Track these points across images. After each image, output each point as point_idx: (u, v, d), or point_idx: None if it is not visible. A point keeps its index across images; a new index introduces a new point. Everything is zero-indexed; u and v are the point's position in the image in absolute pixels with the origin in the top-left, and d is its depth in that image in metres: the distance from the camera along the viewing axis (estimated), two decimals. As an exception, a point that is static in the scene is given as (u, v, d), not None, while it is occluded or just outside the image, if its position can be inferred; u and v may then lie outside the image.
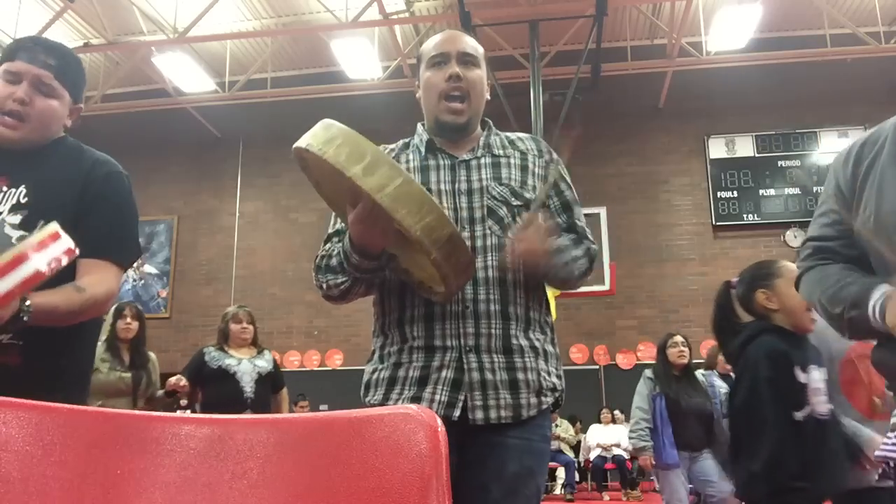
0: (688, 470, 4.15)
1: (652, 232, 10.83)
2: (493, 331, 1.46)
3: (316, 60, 11.43)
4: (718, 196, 10.78)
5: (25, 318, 1.29)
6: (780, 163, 10.74)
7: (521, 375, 1.46)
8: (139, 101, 11.48)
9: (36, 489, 0.83)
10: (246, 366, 4.11)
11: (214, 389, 4.07)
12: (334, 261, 1.48)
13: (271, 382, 4.25)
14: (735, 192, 10.76)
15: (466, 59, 1.59)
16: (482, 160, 1.58)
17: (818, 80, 10.55)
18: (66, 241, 1.27)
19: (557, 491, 9.10)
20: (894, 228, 1.22)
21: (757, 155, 10.82)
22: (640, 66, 10.52)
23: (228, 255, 11.81)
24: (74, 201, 1.49)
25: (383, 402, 1.49)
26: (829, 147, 10.48)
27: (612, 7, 8.93)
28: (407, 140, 1.67)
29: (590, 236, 1.62)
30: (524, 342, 1.49)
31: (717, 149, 10.97)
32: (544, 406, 1.50)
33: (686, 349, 4.43)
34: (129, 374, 3.92)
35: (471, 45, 1.62)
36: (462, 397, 1.42)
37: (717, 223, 10.73)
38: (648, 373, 4.47)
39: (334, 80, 10.96)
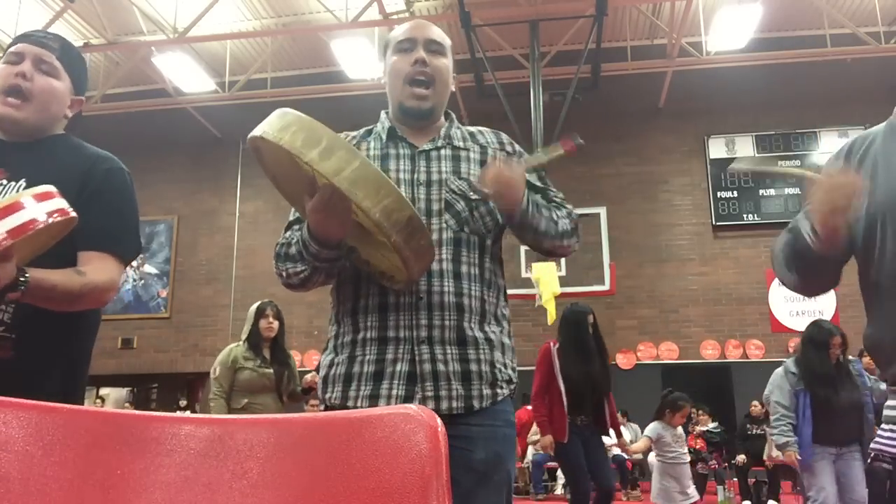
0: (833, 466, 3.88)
1: (652, 232, 10.83)
2: (446, 322, 1.46)
3: (316, 60, 11.43)
4: (718, 196, 10.79)
5: (22, 289, 1.28)
6: (780, 163, 10.74)
7: (474, 367, 1.46)
8: (139, 101, 11.48)
9: (36, 489, 0.83)
10: None
11: None
12: (293, 249, 1.47)
13: None
14: (735, 192, 10.76)
15: (433, 48, 1.60)
16: (442, 151, 1.58)
17: (818, 80, 10.55)
18: (62, 202, 1.27)
19: (558, 491, 9.10)
20: (887, 211, 1.27)
21: (757, 155, 10.82)
22: (640, 66, 10.52)
23: (228, 255, 11.81)
24: (74, 196, 1.49)
25: (342, 401, 1.48)
26: (829, 147, 10.48)
27: (612, 7, 8.93)
28: (370, 127, 1.67)
29: (569, 206, 1.63)
30: (479, 334, 1.49)
31: (717, 149, 10.97)
32: (500, 398, 1.50)
33: (839, 336, 4.05)
34: (270, 370, 4.00)
35: (438, 33, 1.63)
36: (419, 389, 1.43)
37: (717, 223, 10.73)
38: (791, 366, 4.09)
39: (334, 80, 10.95)
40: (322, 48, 10.55)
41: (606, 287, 8.65)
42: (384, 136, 1.61)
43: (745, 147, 10.90)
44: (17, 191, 1.49)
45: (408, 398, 1.42)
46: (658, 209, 10.97)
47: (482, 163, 1.58)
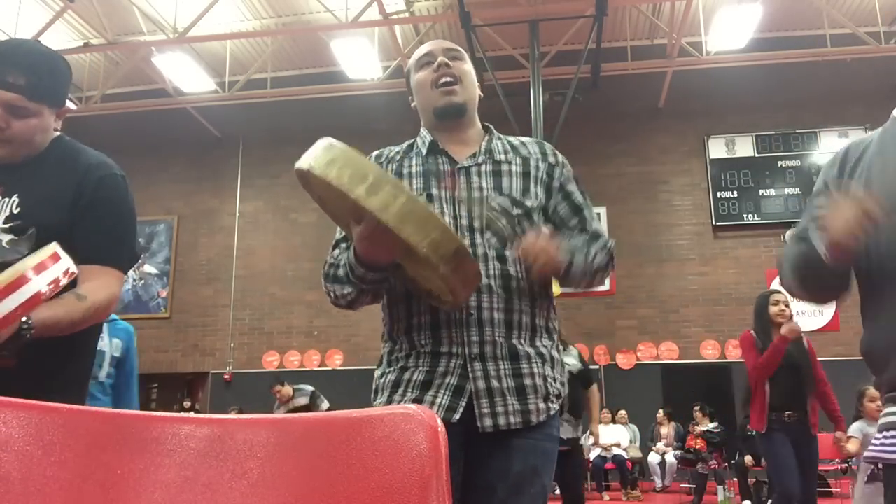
0: None
1: (652, 232, 10.83)
2: (497, 338, 1.47)
3: (316, 60, 11.43)
4: (718, 196, 10.78)
5: (28, 337, 1.29)
6: (780, 163, 10.74)
7: (528, 381, 1.47)
8: (139, 101, 11.49)
9: (36, 489, 0.83)
10: None
11: None
12: (341, 271, 1.49)
13: (582, 380, 4.09)
14: (735, 192, 10.76)
15: (452, 55, 1.63)
16: (483, 167, 1.58)
17: (818, 80, 10.55)
18: (66, 262, 1.28)
19: (558, 491, 9.10)
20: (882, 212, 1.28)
21: (757, 155, 10.82)
22: (640, 66, 10.52)
23: (228, 255, 11.81)
24: (68, 207, 1.48)
25: (387, 405, 1.50)
26: (829, 147, 10.48)
27: (612, 7, 8.93)
28: (412, 141, 1.67)
29: (604, 233, 1.61)
30: (530, 349, 1.50)
31: (717, 149, 10.96)
32: (552, 412, 1.51)
33: None
34: None
35: (455, 45, 1.67)
36: (463, 403, 1.43)
37: (717, 223, 10.73)
38: None
39: (334, 80, 10.96)
40: (322, 48, 10.55)
41: (606, 287, 8.66)
42: (424, 151, 1.61)
43: (745, 147, 10.90)
44: (10, 208, 1.48)
45: (451, 408, 1.43)
46: (658, 209, 10.96)
47: (525, 175, 1.58)
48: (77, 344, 1.55)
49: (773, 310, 4.25)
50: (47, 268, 1.23)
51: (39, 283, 1.21)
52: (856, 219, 1.20)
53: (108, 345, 3.10)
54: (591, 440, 4.63)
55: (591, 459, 9.26)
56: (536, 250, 1.40)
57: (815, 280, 1.40)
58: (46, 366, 1.48)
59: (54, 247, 1.27)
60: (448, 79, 1.58)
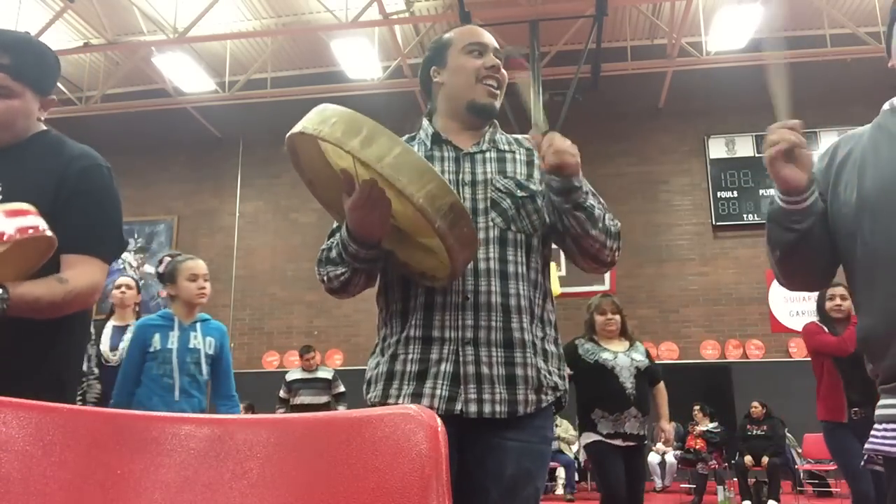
0: None
1: (652, 232, 10.83)
2: (493, 323, 1.45)
3: (316, 60, 11.43)
4: (718, 196, 10.78)
5: (3, 307, 1.28)
6: (780, 163, 10.73)
7: (519, 371, 1.45)
8: (139, 101, 11.48)
9: (36, 489, 0.82)
10: (623, 360, 3.99)
11: (593, 385, 3.92)
12: (334, 252, 1.47)
13: (650, 376, 4.09)
14: (735, 192, 10.76)
15: (499, 56, 1.64)
16: (487, 154, 1.58)
17: (818, 80, 10.54)
18: (36, 220, 1.27)
19: (558, 491, 9.09)
20: (875, 201, 1.29)
21: (757, 155, 10.82)
22: (640, 66, 10.52)
23: (228, 255, 11.81)
24: (50, 196, 1.47)
25: (382, 399, 1.48)
26: (829, 147, 10.47)
27: (612, 7, 8.92)
28: (413, 134, 1.67)
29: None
30: (526, 336, 1.47)
31: (717, 149, 10.97)
32: (544, 404, 1.48)
33: None
34: None
35: (499, 47, 1.68)
36: (462, 390, 1.42)
37: (717, 223, 10.72)
38: None
39: (334, 80, 10.95)
40: (322, 48, 10.55)
41: (606, 287, 8.65)
42: (428, 142, 1.60)
43: (745, 147, 10.90)
44: None
45: (451, 398, 1.41)
46: (658, 209, 10.96)
47: (529, 163, 1.59)
48: (56, 342, 1.54)
49: (828, 305, 4.19)
50: (17, 216, 1.24)
51: (6, 225, 1.21)
52: (781, 137, 1.28)
53: (203, 343, 3.21)
54: (662, 437, 4.63)
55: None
56: (557, 143, 1.40)
57: (785, 244, 1.39)
58: (20, 364, 1.46)
59: (24, 204, 1.28)
60: (496, 83, 1.60)
